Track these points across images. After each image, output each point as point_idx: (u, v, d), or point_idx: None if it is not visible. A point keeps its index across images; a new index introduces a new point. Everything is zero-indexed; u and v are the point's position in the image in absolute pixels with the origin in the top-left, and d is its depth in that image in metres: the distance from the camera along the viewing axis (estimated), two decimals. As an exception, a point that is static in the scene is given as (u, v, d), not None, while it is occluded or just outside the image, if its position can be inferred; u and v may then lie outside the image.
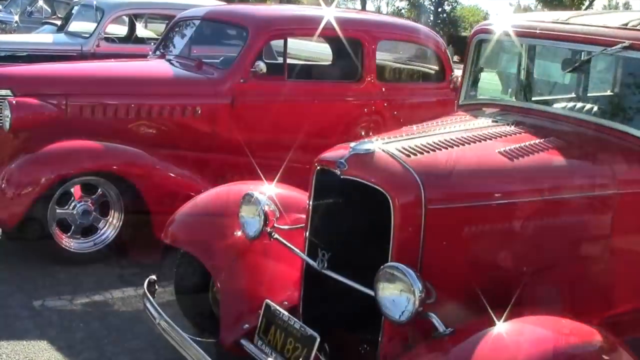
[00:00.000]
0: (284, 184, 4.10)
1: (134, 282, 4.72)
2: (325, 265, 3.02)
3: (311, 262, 3.10)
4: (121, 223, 5.09)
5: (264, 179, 4.16)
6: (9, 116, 4.91)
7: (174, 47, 6.55)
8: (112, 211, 5.10)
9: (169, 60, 6.13)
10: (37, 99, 5.09)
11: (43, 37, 8.91)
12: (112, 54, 8.55)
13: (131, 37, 9.91)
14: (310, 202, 3.19)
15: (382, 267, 2.69)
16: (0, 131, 5.10)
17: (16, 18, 11.61)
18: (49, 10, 14.79)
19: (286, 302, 3.26)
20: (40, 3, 14.04)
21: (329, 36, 6.51)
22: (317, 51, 11.19)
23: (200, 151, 5.58)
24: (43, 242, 4.88)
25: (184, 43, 6.44)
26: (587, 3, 31.52)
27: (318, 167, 3.13)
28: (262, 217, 3.33)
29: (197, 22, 6.51)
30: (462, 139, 3.19)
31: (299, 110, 5.97)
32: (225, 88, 5.59)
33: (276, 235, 3.39)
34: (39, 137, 5.06)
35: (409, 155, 2.95)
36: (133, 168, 5.07)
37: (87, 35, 8.75)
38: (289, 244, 3.30)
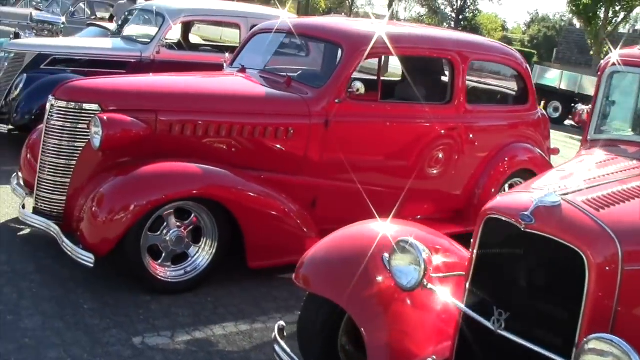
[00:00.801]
0: (399, 218, 3.85)
1: (231, 316, 4.49)
2: (503, 325, 2.73)
3: (485, 322, 2.82)
4: (214, 250, 4.77)
5: (376, 215, 3.94)
6: (100, 133, 4.61)
7: (254, 60, 6.27)
8: (205, 238, 4.79)
9: (254, 75, 5.81)
10: (126, 115, 4.77)
11: (102, 42, 8.60)
12: (171, 62, 8.31)
13: (185, 43, 9.64)
14: (475, 252, 2.93)
15: (586, 339, 2.42)
16: (87, 148, 4.79)
17: (63, 19, 11.33)
18: (88, 11, 14.55)
19: (434, 357, 3.04)
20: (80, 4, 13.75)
21: (418, 56, 6.21)
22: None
23: (291, 173, 5.32)
24: (132, 270, 4.57)
25: (266, 56, 6.14)
26: (621, 16, 31.06)
27: (490, 216, 2.83)
28: (422, 266, 3.04)
29: (281, 35, 6.21)
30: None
31: (390, 132, 5.74)
32: (320, 108, 5.32)
33: (431, 286, 3.11)
34: (128, 156, 4.80)
35: (597, 209, 2.73)
36: (231, 193, 4.76)
37: (147, 41, 8.44)
38: (454, 300, 3.03)
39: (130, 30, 9.16)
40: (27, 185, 5.50)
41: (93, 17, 14.52)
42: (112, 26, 11.40)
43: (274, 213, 4.93)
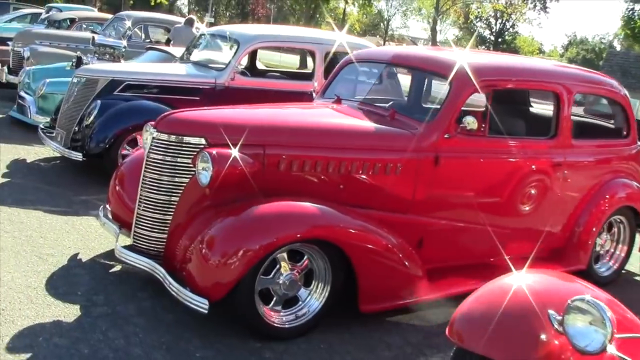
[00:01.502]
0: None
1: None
2: None
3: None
4: (327, 294, 4.49)
5: (512, 267, 3.67)
6: (209, 169, 4.36)
7: (348, 90, 6.05)
8: (316, 281, 4.51)
9: (354, 107, 5.57)
10: (239, 151, 4.52)
11: (175, 68, 8.41)
12: (245, 89, 8.11)
13: (252, 70, 9.46)
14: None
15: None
16: (192, 184, 4.55)
17: (124, 43, 11.18)
18: (142, 35, 14.48)
19: None
20: (131, 27, 13.66)
21: (527, 88, 5.95)
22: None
23: (398, 211, 5.05)
24: (244, 315, 4.30)
25: (363, 87, 5.92)
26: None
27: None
28: (609, 329, 2.73)
29: (377, 65, 5.97)
30: None
31: (498, 168, 5.48)
32: (429, 143, 5.06)
33: (615, 351, 2.79)
34: (234, 192, 4.53)
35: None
36: (348, 234, 4.49)
37: (221, 67, 8.24)
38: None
39: (200, 55, 8.99)
40: (116, 218, 5.29)
41: (148, 41, 14.42)
42: (175, 50, 11.27)
43: (387, 254, 4.65)
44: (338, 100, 5.82)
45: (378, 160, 4.94)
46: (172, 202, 4.62)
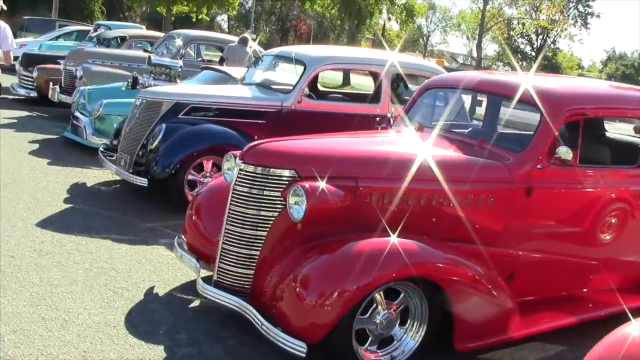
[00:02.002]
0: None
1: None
2: None
3: None
4: (423, 332, 4.22)
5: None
6: (303, 204, 4.12)
7: (428, 116, 5.77)
8: (412, 319, 4.24)
9: (439, 136, 5.29)
10: (327, 183, 4.27)
11: (239, 91, 8.20)
12: (312, 112, 7.89)
13: (313, 91, 9.20)
14: None
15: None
16: (282, 219, 4.31)
17: (180, 63, 11.05)
18: (193, 54, 14.37)
19: None
20: (183, 47, 13.53)
21: (616, 116, 5.62)
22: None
23: (489, 244, 4.76)
24: (341, 357, 4.03)
25: (447, 114, 5.64)
26: None
27: None
28: None
29: (461, 91, 5.69)
30: None
31: (588, 199, 5.18)
32: (522, 174, 4.80)
33: None
34: (326, 227, 4.30)
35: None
36: (445, 270, 4.23)
37: (287, 89, 8.03)
38: None
39: (262, 76, 8.79)
40: (192, 250, 5.09)
41: (200, 60, 14.31)
42: (230, 70, 11.11)
43: (483, 289, 4.38)
44: (420, 128, 5.57)
45: (471, 192, 4.69)
46: (260, 237, 4.39)
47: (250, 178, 4.43)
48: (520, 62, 54.49)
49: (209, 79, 11.01)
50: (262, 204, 4.40)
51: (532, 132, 5.09)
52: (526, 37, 53.41)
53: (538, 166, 4.80)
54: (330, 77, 9.86)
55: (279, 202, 4.35)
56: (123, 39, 15.05)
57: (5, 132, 10.74)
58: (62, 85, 12.90)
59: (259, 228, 4.40)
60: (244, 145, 7.32)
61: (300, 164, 4.40)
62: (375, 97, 8.64)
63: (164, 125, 7.37)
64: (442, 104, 6.12)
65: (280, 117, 7.87)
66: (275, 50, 9.39)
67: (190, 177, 7.25)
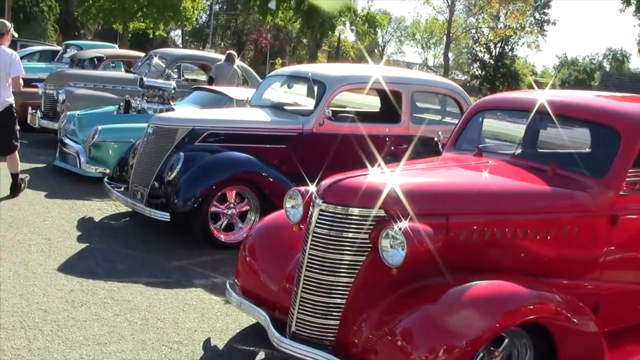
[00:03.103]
0: None
1: None
2: None
3: None
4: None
5: None
6: (403, 248, 3.72)
7: (474, 140, 5.46)
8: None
9: (508, 162, 4.95)
10: (420, 222, 3.87)
11: (256, 115, 7.74)
12: (334, 135, 7.49)
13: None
14: None
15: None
16: (373, 263, 3.90)
17: (173, 84, 10.53)
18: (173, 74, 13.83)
19: None
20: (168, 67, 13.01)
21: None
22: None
23: (573, 277, 4.45)
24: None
25: (510, 138, 5.31)
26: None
27: None
28: None
29: (519, 113, 5.37)
30: None
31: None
32: (605, 202, 4.47)
33: None
34: (421, 270, 3.89)
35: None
36: (550, 310, 3.88)
37: (307, 111, 7.62)
38: None
39: (272, 98, 8.36)
40: (248, 295, 4.64)
41: (184, 80, 13.76)
42: (226, 90, 10.65)
43: (582, 326, 4.04)
44: (479, 153, 5.21)
45: (557, 223, 4.36)
46: (345, 284, 3.95)
47: (332, 219, 3.99)
48: (479, 71, 54.99)
49: (204, 100, 10.56)
50: (347, 248, 3.97)
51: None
52: (484, 45, 53.91)
53: (621, 192, 4.49)
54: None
55: (366, 245, 3.93)
56: (100, 59, 14.41)
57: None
58: (42, 109, 12.24)
59: (344, 274, 3.97)
60: (268, 173, 7.02)
61: (389, 202, 3.99)
62: (395, 117, 8.28)
63: (181, 153, 6.87)
64: (497, 125, 5.79)
65: (301, 141, 7.46)
66: (288, 70, 8.96)
67: (213, 209, 6.75)
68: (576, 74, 70.92)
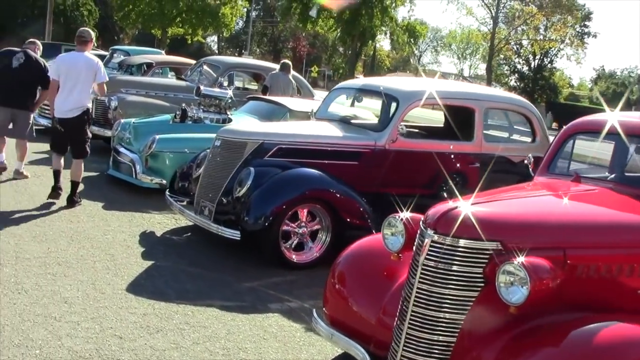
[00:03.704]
0: None
1: None
2: None
3: None
4: None
5: None
6: (525, 284, 3.38)
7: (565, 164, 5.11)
8: None
9: (609, 188, 4.60)
10: (537, 256, 3.51)
11: (327, 129, 7.42)
12: (406, 152, 7.15)
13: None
14: None
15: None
16: (488, 299, 3.55)
17: (230, 93, 10.28)
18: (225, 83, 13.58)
19: None
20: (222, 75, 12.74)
21: None
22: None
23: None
24: None
25: (611, 162, 4.97)
26: None
27: None
28: None
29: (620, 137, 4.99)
30: None
31: None
32: None
33: None
34: (538, 307, 3.53)
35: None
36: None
37: (377, 127, 7.29)
38: None
39: (338, 111, 8.04)
40: (336, 325, 4.29)
41: (234, 87, 13.48)
42: (285, 100, 10.38)
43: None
44: (577, 179, 4.83)
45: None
46: (456, 321, 3.61)
47: (444, 251, 3.66)
48: (518, 82, 54.29)
49: (260, 110, 10.29)
50: (459, 282, 3.64)
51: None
52: (523, 57, 53.28)
53: None
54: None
55: (478, 279, 3.59)
56: (149, 65, 14.20)
57: (42, 169, 9.89)
58: (93, 116, 12.00)
59: (454, 310, 3.63)
60: (341, 191, 6.68)
61: (506, 234, 3.66)
62: (466, 134, 7.92)
63: (251, 169, 6.56)
64: (593, 149, 5.40)
65: (373, 158, 7.11)
66: (358, 83, 8.63)
67: (284, 227, 6.44)
68: (614, 87, 69.84)
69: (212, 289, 5.77)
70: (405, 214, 4.32)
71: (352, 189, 6.80)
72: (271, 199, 6.39)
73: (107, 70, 14.76)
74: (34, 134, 10.07)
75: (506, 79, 55.74)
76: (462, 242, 3.63)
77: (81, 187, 8.88)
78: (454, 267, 3.64)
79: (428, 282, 3.69)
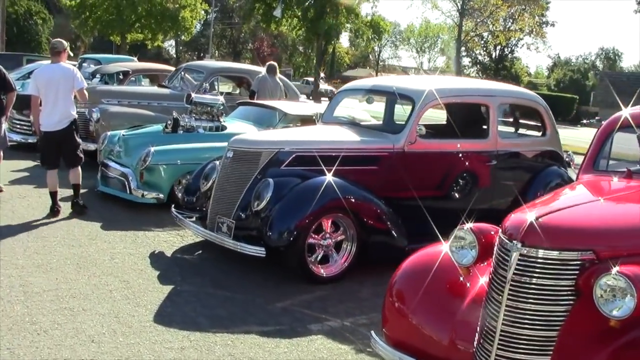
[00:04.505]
0: None
1: None
2: None
3: None
4: None
5: None
6: (631, 297, 3.12)
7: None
8: None
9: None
10: (633, 264, 3.26)
11: (343, 134, 7.05)
12: (425, 153, 6.84)
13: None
14: None
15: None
16: (580, 313, 3.27)
17: (221, 99, 9.84)
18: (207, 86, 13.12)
19: None
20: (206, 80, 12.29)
21: None
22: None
23: None
24: None
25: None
26: None
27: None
28: None
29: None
30: None
31: None
32: None
33: None
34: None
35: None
36: None
37: (397, 130, 6.95)
38: None
39: (352, 114, 7.70)
40: (400, 346, 3.94)
41: (217, 93, 13.04)
42: (280, 104, 10.00)
43: None
44: (629, 175, 4.57)
45: None
46: (550, 338, 3.33)
47: (534, 265, 3.35)
48: (480, 74, 54.55)
49: (254, 116, 9.90)
50: (552, 297, 3.36)
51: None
52: (484, 49, 53.55)
53: None
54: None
55: (570, 292, 3.35)
56: (125, 73, 13.63)
57: (26, 189, 9.35)
58: (73, 129, 11.45)
59: (548, 327, 3.34)
60: (365, 198, 6.33)
61: (599, 241, 3.41)
62: (481, 132, 7.64)
63: (270, 180, 6.17)
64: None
65: (392, 161, 6.77)
66: (367, 84, 8.25)
67: (310, 240, 6.07)
68: (570, 74, 70.72)
69: (245, 313, 5.37)
70: (470, 225, 4.00)
71: (375, 195, 6.45)
72: (295, 212, 6.01)
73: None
74: (8, 143, 9.61)
75: (468, 71, 56.05)
76: (553, 254, 3.34)
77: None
78: (547, 281, 3.35)
79: (518, 298, 3.40)
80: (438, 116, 9.10)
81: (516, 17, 46.75)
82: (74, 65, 9.63)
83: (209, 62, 13.41)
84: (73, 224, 7.67)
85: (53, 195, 8.01)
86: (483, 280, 3.80)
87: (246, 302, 5.58)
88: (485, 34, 51.04)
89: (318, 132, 7.17)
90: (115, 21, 37.08)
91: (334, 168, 6.42)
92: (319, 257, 6.20)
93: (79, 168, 8.16)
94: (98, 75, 13.76)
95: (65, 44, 8.25)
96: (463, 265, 3.94)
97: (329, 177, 6.19)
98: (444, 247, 4.15)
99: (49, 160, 8.05)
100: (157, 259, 6.65)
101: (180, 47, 63.51)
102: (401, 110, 7.46)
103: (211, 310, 5.37)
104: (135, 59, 19.24)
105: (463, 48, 51.60)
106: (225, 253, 6.48)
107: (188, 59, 57.45)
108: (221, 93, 13.10)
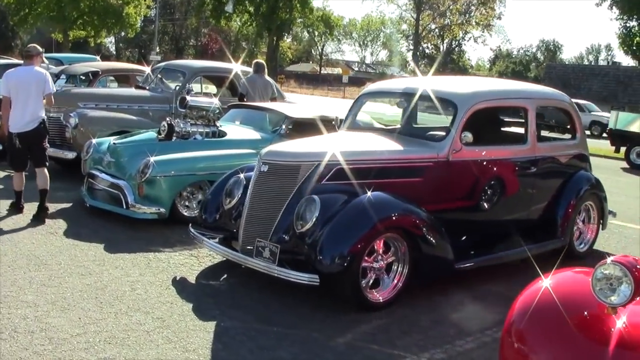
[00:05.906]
0: None
1: None
2: None
3: None
4: None
5: None
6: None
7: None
8: None
9: None
10: None
11: (383, 143, 6.43)
12: (469, 161, 6.32)
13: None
14: None
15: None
16: None
17: (217, 102, 9.11)
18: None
19: None
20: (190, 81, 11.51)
21: None
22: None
23: None
24: None
25: None
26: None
27: None
28: None
29: None
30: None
31: None
32: None
33: None
34: None
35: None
36: None
37: (439, 138, 6.39)
38: None
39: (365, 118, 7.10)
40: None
41: (198, 94, 12.25)
42: (279, 106, 9.33)
43: None
44: None
45: None
46: None
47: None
48: (427, 67, 54.61)
49: (250, 120, 9.23)
50: None
51: None
52: (432, 42, 53.61)
53: None
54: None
55: None
56: (95, 74, 12.67)
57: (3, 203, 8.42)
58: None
59: None
60: (419, 215, 5.74)
61: None
62: (519, 137, 7.16)
63: (316, 198, 5.52)
64: None
65: (436, 172, 6.21)
66: (398, 86, 7.61)
67: (364, 264, 5.46)
68: (512, 66, 71.71)
69: (309, 353, 4.73)
70: (612, 258, 3.46)
71: (425, 210, 5.88)
72: (347, 234, 5.39)
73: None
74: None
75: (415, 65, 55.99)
76: None
77: (63, 223, 7.62)
78: None
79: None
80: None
81: (473, 10, 46.89)
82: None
83: (190, 62, 12.58)
84: (72, 246, 6.88)
85: (18, 194, 8.10)
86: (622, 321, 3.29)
87: (304, 340, 4.94)
88: (434, 27, 51.02)
89: (356, 141, 6.52)
90: (56, 18, 35.48)
91: (376, 181, 5.83)
92: (371, 282, 5.60)
93: (46, 170, 8.06)
94: (63, 76, 12.74)
95: (40, 49, 8.33)
96: (616, 305, 3.38)
97: (378, 193, 5.57)
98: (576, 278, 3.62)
99: (17, 162, 8.07)
100: (182, 287, 5.93)
101: (120, 44, 61.65)
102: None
103: (271, 352, 4.71)
104: (99, 58, 18.18)
105: (412, 42, 51.70)
106: (252, 276, 5.86)
107: (129, 56, 55.74)
108: (214, 95, 12.35)
